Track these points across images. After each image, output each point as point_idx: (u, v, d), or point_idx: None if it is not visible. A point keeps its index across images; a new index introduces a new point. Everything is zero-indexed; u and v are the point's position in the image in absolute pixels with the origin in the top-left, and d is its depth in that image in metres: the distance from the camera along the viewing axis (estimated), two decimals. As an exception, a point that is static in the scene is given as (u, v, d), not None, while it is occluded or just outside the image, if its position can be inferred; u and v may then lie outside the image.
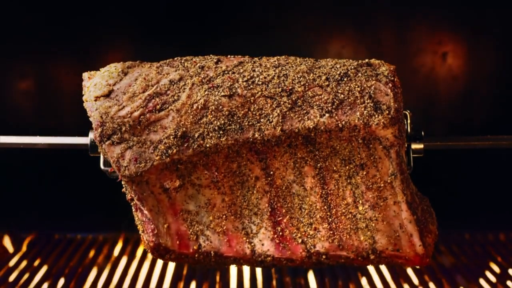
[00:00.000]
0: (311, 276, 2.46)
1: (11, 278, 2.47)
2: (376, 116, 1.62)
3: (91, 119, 1.67)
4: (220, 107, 1.64)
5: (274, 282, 2.43)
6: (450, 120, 2.82)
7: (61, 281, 2.44)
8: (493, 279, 2.44)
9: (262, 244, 1.70)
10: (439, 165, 2.70)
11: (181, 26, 2.73)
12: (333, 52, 2.76)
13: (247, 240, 1.71)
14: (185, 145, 1.63)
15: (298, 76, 1.67)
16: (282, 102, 1.64)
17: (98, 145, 1.67)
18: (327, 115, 1.63)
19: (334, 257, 1.69)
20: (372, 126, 1.62)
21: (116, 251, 2.71)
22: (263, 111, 1.64)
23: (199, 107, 1.64)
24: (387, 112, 1.62)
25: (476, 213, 2.81)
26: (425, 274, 2.47)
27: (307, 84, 1.66)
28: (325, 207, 1.68)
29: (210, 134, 1.63)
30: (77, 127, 1.96)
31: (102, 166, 1.79)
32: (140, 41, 2.79)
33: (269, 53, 1.80)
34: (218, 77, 1.68)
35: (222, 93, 1.65)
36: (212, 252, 1.71)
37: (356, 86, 1.65)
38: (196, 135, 1.63)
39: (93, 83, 1.71)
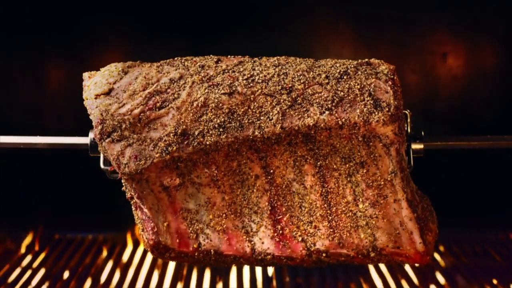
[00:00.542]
0: (311, 276, 2.46)
1: (11, 278, 2.47)
2: (376, 113, 1.62)
3: (91, 117, 1.67)
4: (220, 105, 1.65)
5: (274, 283, 2.42)
6: (450, 120, 2.82)
7: (61, 281, 2.44)
8: (492, 279, 2.43)
9: (262, 243, 1.70)
10: (439, 165, 2.70)
11: (181, 27, 2.73)
12: (333, 52, 2.76)
13: (247, 239, 1.71)
14: (185, 142, 1.63)
15: (298, 74, 1.68)
16: (282, 100, 1.65)
17: (98, 142, 1.67)
18: (327, 112, 1.63)
19: (334, 255, 1.69)
20: (372, 123, 1.62)
21: (116, 251, 2.71)
22: (263, 109, 1.64)
23: (199, 105, 1.65)
24: (387, 109, 1.63)
25: (476, 213, 2.81)
26: (425, 274, 2.47)
27: (307, 82, 1.67)
28: (325, 205, 1.69)
29: (210, 132, 1.63)
30: (77, 127, 1.96)
31: (102, 165, 1.79)
32: (140, 41, 2.79)
33: (269, 53, 1.81)
34: (218, 75, 1.69)
35: (222, 91, 1.66)
36: (212, 250, 1.71)
37: (356, 84, 1.66)
38: (196, 132, 1.63)
39: (93, 82, 1.72)
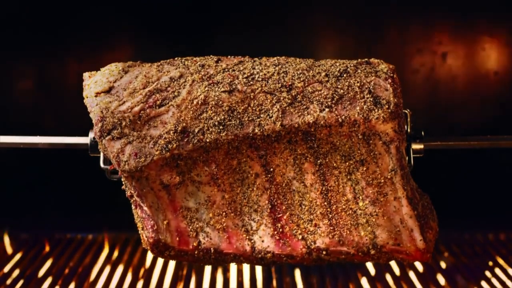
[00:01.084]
0: (311, 276, 2.46)
1: (11, 278, 2.47)
2: (376, 110, 1.63)
3: (91, 115, 1.67)
4: (220, 102, 1.65)
5: (274, 283, 2.42)
6: (450, 120, 2.82)
7: (61, 281, 2.44)
8: (493, 279, 2.44)
9: (262, 241, 1.70)
10: (439, 165, 2.70)
11: (181, 27, 2.73)
12: (333, 52, 2.76)
13: (247, 237, 1.71)
14: (185, 140, 1.63)
15: (298, 72, 1.69)
16: (282, 98, 1.65)
17: (98, 140, 1.67)
18: (327, 109, 1.63)
19: (335, 252, 1.69)
20: (372, 120, 1.63)
21: (116, 251, 2.71)
22: (263, 107, 1.65)
23: (199, 102, 1.65)
24: (386, 106, 1.63)
25: (476, 213, 2.81)
26: (425, 274, 2.47)
27: (306, 80, 1.67)
28: (325, 203, 1.69)
29: (210, 129, 1.63)
30: (77, 127, 1.96)
31: (102, 164, 1.79)
32: (140, 41, 2.79)
33: (269, 53, 1.81)
34: (218, 74, 1.69)
35: (222, 89, 1.66)
36: (212, 249, 1.70)
37: (356, 82, 1.66)
38: (196, 130, 1.63)
39: (94, 81, 1.72)
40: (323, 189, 1.69)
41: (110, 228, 2.82)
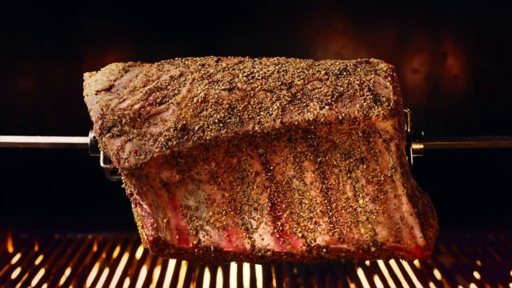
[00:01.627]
0: (311, 276, 2.46)
1: (11, 278, 2.47)
2: (376, 108, 1.63)
3: (91, 112, 1.67)
4: (220, 100, 1.65)
5: (274, 283, 2.43)
6: (450, 120, 2.82)
7: (61, 281, 2.44)
8: (493, 279, 2.43)
9: (262, 239, 1.70)
10: (439, 165, 2.70)
11: (181, 27, 2.73)
12: (333, 52, 2.76)
13: (247, 235, 1.71)
14: (185, 137, 1.63)
15: (298, 71, 1.70)
16: (281, 96, 1.65)
17: (98, 138, 1.67)
18: (327, 107, 1.64)
19: (335, 250, 1.69)
20: (372, 117, 1.63)
21: (116, 251, 2.71)
22: (263, 105, 1.65)
23: (199, 100, 1.65)
24: (386, 104, 1.64)
25: (476, 213, 2.81)
26: (425, 274, 2.47)
27: (306, 78, 1.68)
28: (325, 201, 1.69)
29: (210, 127, 1.63)
30: (77, 127, 1.97)
31: (102, 164, 1.79)
32: (140, 41, 2.79)
33: (269, 54, 1.82)
34: (219, 73, 1.70)
35: (222, 87, 1.67)
36: (211, 247, 1.70)
37: (356, 80, 1.67)
38: (196, 127, 1.63)
39: (94, 79, 1.73)
40: (323, 187, 1.69)
41: (110, 228, 2.82)
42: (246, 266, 2.51)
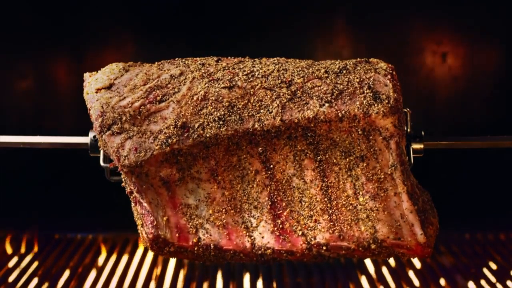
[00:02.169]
0: (311, 276, 2.46)
1: (11, 278, 2.47)
2: (376, 105, 1.63)
3: (91, 110, 1.67)
4: (220, 98, 1.65)
5: (274, 283, 2.43)
6: (450, 120, 2.82)
7: (61, 281, 2.44)
8: (493, 279, 2.44)
9: (262, 237, 1.70)
10: (439, 165, 2.70)
11: (181, 27, 2.73)
12: (333, 52, 2.76)
13: (247, 234, 1.71)
14: (185, 135, 1.63)
15: (298, 70, 1.70)
16: (281, 93, 1.66)
17: (98, 136, 1.67)
18: (326, 105, 1.64)
19: (335, 248, 1.69)
20: (372, 115, 1.63)
21: (116, 251, 2.71)
22: (262, 102, 1.65)
23: (200, 98, 1.66)
24: (386, 101, 1.64)
25: (476, 213, 2.81)
26: (425, 274, 2.47)
27: (306, 76, 1.68)
28: (326, 199, 1.69)
29: (210, 125, 1.63)
30: (77, 127, 1.97)
31: (101, 163, 1.79)
32: (140, 41, 2.79)
33: (269, 54, 1.82)
34: (219, 72, 1.71)
35: (222, 85, 1.67)
36: (211, 245, 1.70)
37: (355, 78, 1.67)
38: (196, 125, 1.64)
39: (95, 78, 1.73)
40: (323, 185, 1.69)
41: (110, 228, 2.82)
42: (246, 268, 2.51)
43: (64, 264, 2.59)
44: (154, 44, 2.75)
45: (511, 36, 2.75)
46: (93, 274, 2.51)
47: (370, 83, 1.67)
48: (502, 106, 2.80)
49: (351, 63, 1.73)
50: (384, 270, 2.50)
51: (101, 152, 1.78)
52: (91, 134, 1.83)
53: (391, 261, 2.54)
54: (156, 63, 1.78)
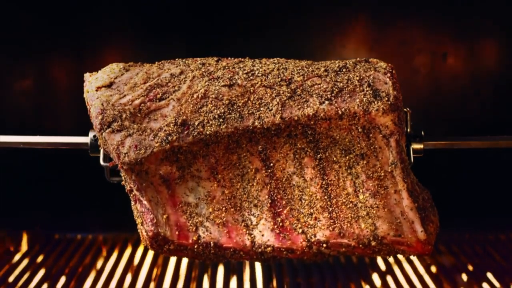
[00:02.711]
0: (311, 276, 2.46)
1: (11, 278, 2.47)
2: (376, 102, 1.64)
3: (92, 109, 1.67)
4: (220, 96, 1.66)
5: (274, 283, 2.42)
6: (450, 120, 2.82)
7: (61, 281, 2.44)
8: (493, 279, 2.43)
9: (262, 235, 1.71)
10: (439, 165, 2.70)
11: (181, 27, 2.73)
12: (333, 52, 2.76)
13: (247, 232, 1.71)
14: (185, 132, 1.64)
15: (297, 68, 1.71)
16: (281, 91, 1.66)
17: (98, 134, 1.67)
18: (326, 102, 1.64)
19: (335, 245, 1.69)
20: (371, 112, 1.63)
21: (116, 251, 2.71)
22: (262, 100, 1.66)
23: (200, 96, 1.66)
24: (386, 99, 1.64)
25: (476, 213, 2.81)
26: (425, 274, 2.47)
27: (306, 74, 1.69)
28: (326, 197, 1.69)
29: (210, 122, 1.64)
30: (77, 127, 1.97)
31: (101, 162, 1.79)
32: (140, 41, 2.79)
33: (269, 54, 1.83)
34: (219, 70, 1.71)
35: (222, 83, 1.68)
36: (211, 243, 1.70)
37: (355, 76, 1.68)
38: (196, 123, 1.64)
39: (95, 77, 1.74)
40: (323, 183, 1.69)
41: (110, 228, 2.82)
42: (246, 267, 2.51)
43: (64, 264, 2.59)
44: (154, 44, 2.75)
45: (511, 36, 2.75)
46: (93, 274, 2.51)
47: (370, 81, 1.67)
48: (502, 106, 2.80)
49: (350, 62, 1.74)
50: (384, 270, 2.50)
51: (101, 151, 1.78)
52: (91, 134, 1.84)
53: (391, 261, 2.54)
54: (157, 63, 1.78)
